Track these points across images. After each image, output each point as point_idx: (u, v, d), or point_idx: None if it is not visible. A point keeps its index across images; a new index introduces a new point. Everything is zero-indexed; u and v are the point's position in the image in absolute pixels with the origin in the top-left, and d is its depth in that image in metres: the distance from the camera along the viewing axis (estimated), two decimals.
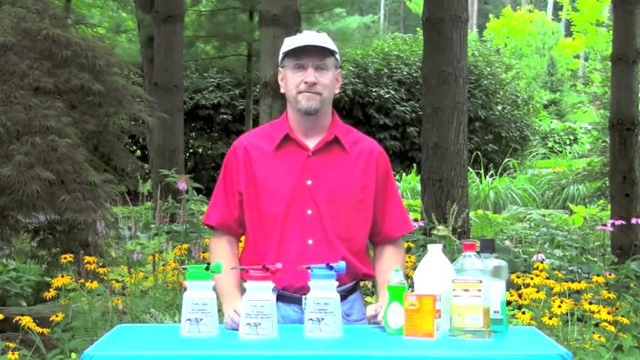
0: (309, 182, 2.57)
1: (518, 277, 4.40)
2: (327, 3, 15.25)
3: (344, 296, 2.51)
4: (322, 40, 2.57)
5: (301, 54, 2.55)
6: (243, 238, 2.73)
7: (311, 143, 2.60)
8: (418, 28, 23.10)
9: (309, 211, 2.56)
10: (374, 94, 17.78)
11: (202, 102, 17.04)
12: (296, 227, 2.55)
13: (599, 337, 4.20)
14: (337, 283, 2.29)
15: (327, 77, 2.57)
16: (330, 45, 2.58)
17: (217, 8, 14.51)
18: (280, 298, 2.48)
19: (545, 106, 26.26)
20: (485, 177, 14.79)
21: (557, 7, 37.26)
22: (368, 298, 4.26)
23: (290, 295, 2.55)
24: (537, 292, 4.22)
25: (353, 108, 17.67)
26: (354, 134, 2.68)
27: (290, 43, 2.58)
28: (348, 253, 2.56)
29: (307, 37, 2.58)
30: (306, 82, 2.54)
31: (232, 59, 15.20)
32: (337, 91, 2.67)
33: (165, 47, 10.05)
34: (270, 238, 2.56)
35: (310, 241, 2.55)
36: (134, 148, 16.94)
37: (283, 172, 2.57)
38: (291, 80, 2.58)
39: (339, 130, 2.64)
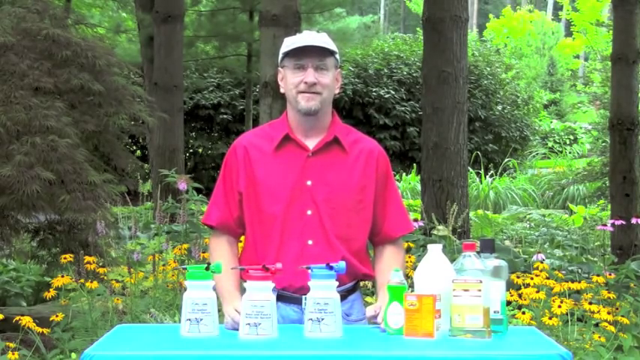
0: (308, 182, 2.57)
1: (518, 277, 4.40)
2: (327, 3, 15.24)
3: (344, 296, 2.51)
4: (322, 40, 2.57)
5: (301, 54, 2.55)
6: (243, 237, 2.73)
7: (311, 143, 2.60)
8: (418, 28, 23.10)
9: (309, 212, 2.56)
10: (374, 94, 17.78)
11: (202, 102, 17.04)
12: (296, 227, 2.55)
13: (599, 337, 4.20)
14: (337, 283, 2.29)
15: (327, 77, 2.57)
16: (330, 45, 2.58)
17: (217, 8, 14.51)
18: (280, 298, 2.48)
19: (545, 106, 26.26)
20: (485, 177, 14.79)
21: (557, 7, 37.27)
22: (368, 298, 4.26)
23: (290, 295, 2.55)
24: (537, 292, 4.23)
25: (353, 108, 17.67)
26: (353, 134, 2.68)
27: (290, 43, 2.58)
28: (348, 253, 2.56)
29: (307, 37, 2.58)
30: (305, 83, 2.54)
31: (232, 59, 15.20)
32: (337, 91, 2.67)
33: (166, 47, 10.05)
34: (270, 238, 2.56)
35: (310, 242, 2.55)
36: (134, 148, 16.95)
37: (283, 172, 2.57)
38: (290, 80, 2.58)
39: (339, 130, 2.64)
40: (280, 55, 2.62)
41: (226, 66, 16.28)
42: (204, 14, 14.73)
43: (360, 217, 2.61)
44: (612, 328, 4.26)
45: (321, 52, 2.56)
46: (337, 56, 2.62)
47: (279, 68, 2.65)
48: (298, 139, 2.60)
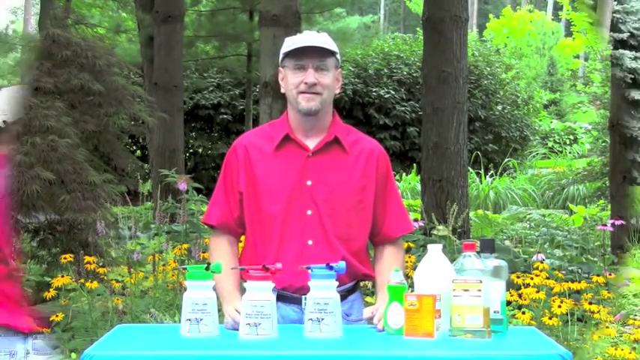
0: (309, 182, 2.56)
1: (518, 277, 4.41)
2: (327, 3, 15.25)
3: (344, 296, 2.51)
4: (322, 40, 2.57)
5: (301, 54, 2.55)
6: (243, 237, 2.73)
7: (311, 143, 2.60)
8: (418, 28, 23.09)
9: (309, 212, 2.56)
10: (374, 94, 17.78)
11: (202, 102, 17.03)
12: (296, 227, 2.55)
13: (599, 337, 4.21)
14: (337, 283, 2.29)
15: (327, 77, 2.57)
16: (331, 45, 2.58)
17: (217, 8, 14.51)
18: (280, 298, 2.48)
19: (545, 106, 26.25)
20: (485, 177, 14.78)
21: (557, 7, 37.26)
22: (368, 298, 4.26)
23: (290, 295, 2.55)
24: (537, 292, 4.23)
25: (353, 108, 17.66)
26: (354, 134, 2.68)
27: (290, 43, 2.58)
28: (348, 253, 2.56)
29: (308, 37, 2.57)
30: (306, 83, 2.54)
31: (232, 59, 15.20)
32: (337, 91, 2.67)
33: (166, 47, 10.05)
34: (270, 238, 2.56)
35: (310, 242, 2.55)
36: (134, 148, 16.94)
37: (283, 172, 2.57)
38: (291, 80, 2.58)
39: (339, 130, 2.64)
40: (281, 56, 2.62)
41: (226, 66, 16.28)
42: (204, 14, 14.73)
43: (360, 217, 2.60)
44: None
45: (322, 53, 2.56)
46: (338, 56, 2.62)
47: (280, 68, 2.64)
48: (298, 139, 2.60)
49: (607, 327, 4.74)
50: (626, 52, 19.55)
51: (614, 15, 18.47)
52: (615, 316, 4.99)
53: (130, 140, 16.15)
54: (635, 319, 5.01)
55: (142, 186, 10.84)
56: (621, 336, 4.62)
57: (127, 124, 5.94)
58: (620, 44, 20.00)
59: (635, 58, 19.66)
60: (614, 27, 18.76)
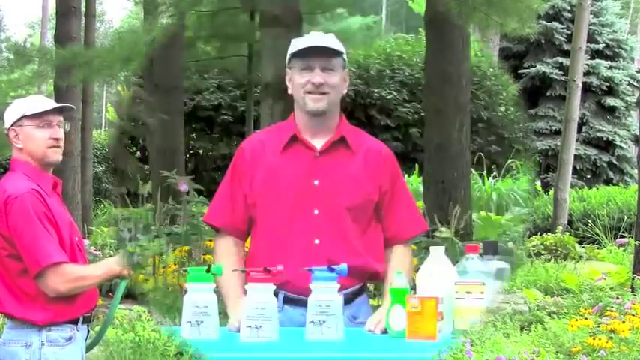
0: (316, 182, 2.54)
1: None
2: (329, 3, 15.19)
3: (350, 299, 2.49)
4: (329, 41, 2.56)
5: (308, 55, 2.53)
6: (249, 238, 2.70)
7: (318, 144, 2.58)
8: (421, 29, 23.08)
9: (316, 211, 2.53)
10: (376, 95, 17.75)
11: (203, 103, 17.00)
12: (303, 227, 2.53)
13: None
14: (339, 286, 2.26)
15: (334, 78, 2.55)
16: (337, 46, 2.57)
17: (218, 9, 14.47)
18: (287, 300, 2.46)
19: None
20: (487, 179, 14.76)
21: None
22: (371, 301, 4.23)
23: (297, 297, 2.51)
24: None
25: (355, 109, 17.61)
26: (361, 135, 2.67)
27: (297, 44, 2.57)
28: (355, 252, 2.53)
29: (314, 38, 2.57)
30: (313, 83, 2.52)
31: (234, 60, 15.14)
32: (344, 91, 2.65)
33: (166, 48, 10.03)
34: (276, 239, 2.54)
35: (317, 241, 2.52)
36: (134, 149, 16.92)
37: (290, 173, 2.56)
38: (298, 81, 2.56)
39: (346, 130, 2.62)
40: (287, 57, 2.60)
41: (227, 67, 16.23)
42: (204, 14, 14.69)
43: (367, 216, 2.58)
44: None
45: (328, 53, 2.55)
46: (344, 57, 2.60)
47: (287, 69, 2.62)
48: (305, 140, 2.58)
49: (585, 318, 4.73)
50: (602, 61, 19.68)
51: (591, 27, 18.55)
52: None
53: (129, 141, 16.15)
54: (611, 311, 5.00)
55: (142, 187, 10.84)
56: (599, 326, 4.61)
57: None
58: (596, 54, 20.12)
59: (610, 67, 19.79)
60: (591, 38, 18.84)
